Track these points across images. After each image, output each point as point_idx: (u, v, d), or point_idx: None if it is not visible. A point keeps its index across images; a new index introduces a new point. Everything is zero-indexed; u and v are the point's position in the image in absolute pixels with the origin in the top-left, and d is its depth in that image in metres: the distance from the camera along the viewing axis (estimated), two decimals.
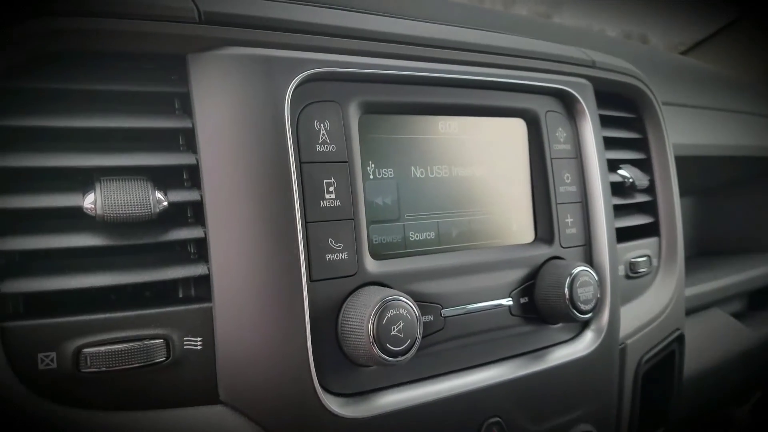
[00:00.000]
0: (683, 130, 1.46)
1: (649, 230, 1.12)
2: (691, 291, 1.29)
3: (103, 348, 0.59)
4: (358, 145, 0.71)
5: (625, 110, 1.11)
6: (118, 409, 0.60)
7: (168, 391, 0.62)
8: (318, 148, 0.68)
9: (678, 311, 1.12)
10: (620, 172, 1.06)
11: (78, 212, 0.60)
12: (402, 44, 0.75)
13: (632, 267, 1.05)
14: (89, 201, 0.60)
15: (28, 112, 0.59)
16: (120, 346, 0.59)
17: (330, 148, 0.69)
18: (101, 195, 0.60)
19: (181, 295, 0.66)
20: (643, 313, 1.05)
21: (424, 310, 0.73)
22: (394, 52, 0.75)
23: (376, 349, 0.65)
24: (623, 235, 1.03)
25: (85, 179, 0.61)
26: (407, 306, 0.67)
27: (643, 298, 1.07)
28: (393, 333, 0.66)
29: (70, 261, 0.60)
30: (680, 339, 1.12)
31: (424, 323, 0.73)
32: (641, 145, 1.13)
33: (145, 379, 0.61)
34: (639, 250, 1.07)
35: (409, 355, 0.67)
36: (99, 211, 0.59)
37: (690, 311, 1.26)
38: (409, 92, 0.76)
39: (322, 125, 0.68)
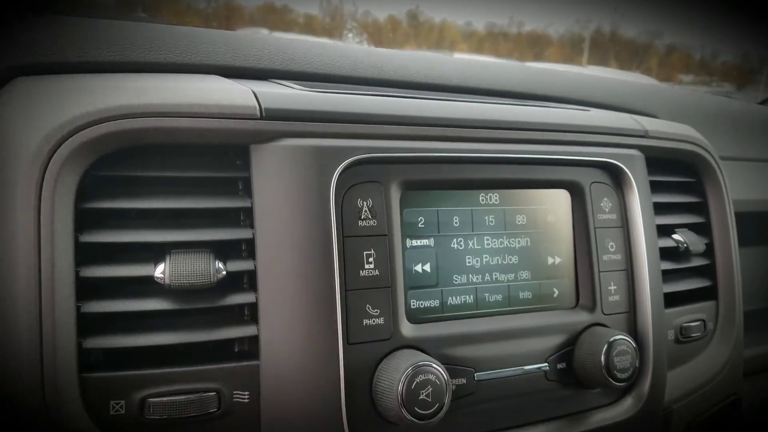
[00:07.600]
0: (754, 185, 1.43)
1: (706, 294, 1.11)
2: (754, 351, 1.27)
3: (164, 399, 0.68)
4: (398, 218, 0.78)
5: (682, 174, 1.11)
6: None
7: None
8: (360, 223, 0.76)
9: (734, 375, 1.10)
10: (675, 236, 1.06)
11: (150, 280, 0.70)
12: (442, 127, 0.82)
13: (683, 332, 1.04)
14: (159, 271, 0.70)
15: (114, 195, 0.70)
16: (179, 397, 0.68)
17: (371, 222, 0.76)
18: (170, 265, 0.69)
19: (235, 351, 0.74)
20: (693, 377, 1.05)
21: (456, 374, 0.78)
22: (434, 134, 0.81)
23: (404, 412, 0.71)
24: (676, 299, 1.04)
25: (159, 252, 0.71)
26: (436, 371, 0.72)
27: (695, 362, 1.06)
28: (421, 397, 0.71)
29: (142, 322, 0.70)
30: (735, 404, 1.11)
31: (456, 386, 0.79)
32: (700, 208, 1.13)
33: (199, 427, 0.70)
34: (692, 314, 1.06)
35: (436, 418, 0.72)
36: (167, 280, 0.69)
37: (752, 372, 1.23)
38: (449, 170, 0.81)
39: (364, 203, 0.76)
